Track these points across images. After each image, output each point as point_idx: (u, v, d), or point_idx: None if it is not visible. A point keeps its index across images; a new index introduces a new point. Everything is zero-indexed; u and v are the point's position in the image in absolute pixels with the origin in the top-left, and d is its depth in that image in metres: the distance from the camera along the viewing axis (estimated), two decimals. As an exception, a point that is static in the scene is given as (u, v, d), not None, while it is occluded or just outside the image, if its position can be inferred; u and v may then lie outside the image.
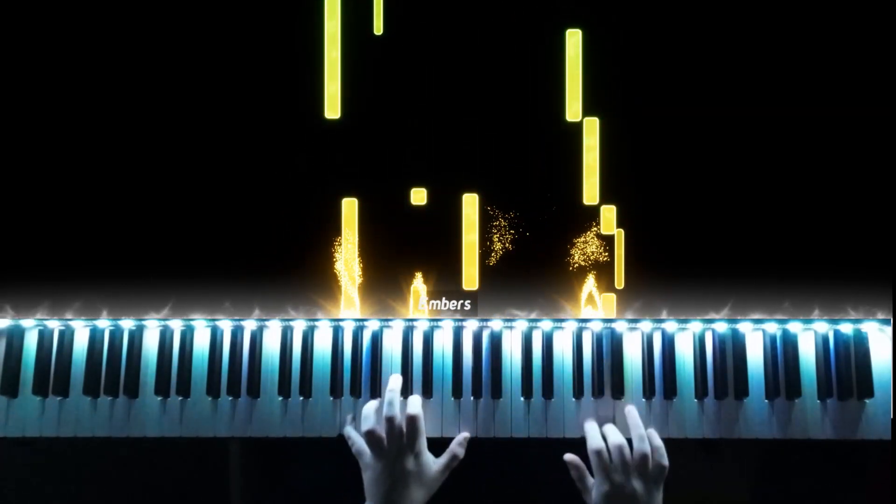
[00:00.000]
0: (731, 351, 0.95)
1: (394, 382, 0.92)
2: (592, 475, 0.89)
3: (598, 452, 0.88)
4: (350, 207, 0.95)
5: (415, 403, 0.91)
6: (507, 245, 0.94)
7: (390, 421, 0.88)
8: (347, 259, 0.94)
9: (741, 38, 0.95)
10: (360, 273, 0.94)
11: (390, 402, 0.89)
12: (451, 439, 0.94)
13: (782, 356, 0.94)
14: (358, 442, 0.90)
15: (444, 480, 0.90)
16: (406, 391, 0.94)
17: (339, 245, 0.95)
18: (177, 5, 0.96)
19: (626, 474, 0.86)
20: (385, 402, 0.90)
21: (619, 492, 0.86)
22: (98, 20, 0.96)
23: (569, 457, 0.92)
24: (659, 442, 0.89)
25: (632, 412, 0.92)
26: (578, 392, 0.94)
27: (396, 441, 0.87)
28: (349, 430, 0.92)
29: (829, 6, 0.95)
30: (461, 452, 0.92)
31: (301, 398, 0.95)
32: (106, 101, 0.96)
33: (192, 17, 0.96)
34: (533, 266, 0.94)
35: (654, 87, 0.95)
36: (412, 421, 0.89)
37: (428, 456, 0.90)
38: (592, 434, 0.90)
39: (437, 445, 0.94)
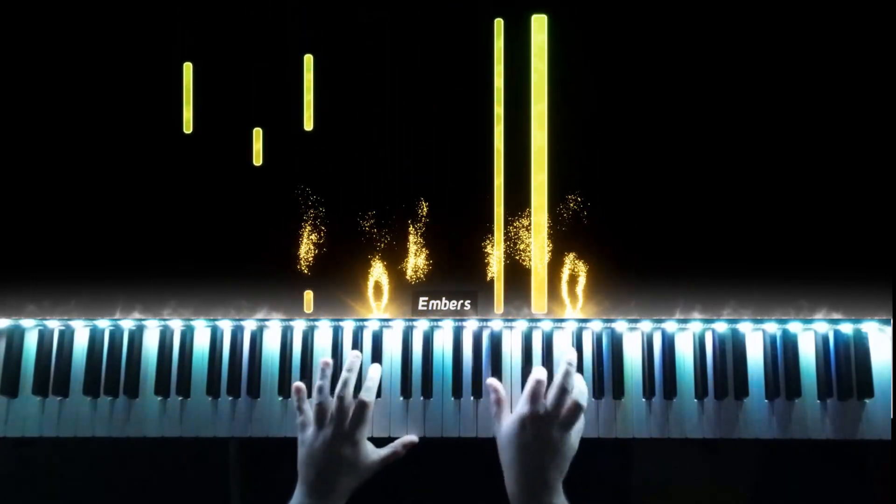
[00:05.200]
0: (731, 351, 0.95)
1: (352, 362, 0.92)
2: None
3: (539, 381, 0.88)
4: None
5: (370, 390, 0.90)
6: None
7: (340, 400, 0.88)
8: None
9: (747, 33, 0.95)
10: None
11: (345, 382, 0.89)
12: (451, 440, 0.94)
13: (782, 356, 0.94)
14: (307, 414, 0.90)
15: (379, 471, 0.89)
16: (405, 389, 0.94)
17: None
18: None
19: (552, 415, 0.85)
20: (339, 382, 0.90)
21: (534, 423, 0.85)
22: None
23: (492, 381, 0.93)
24: (583, 386, 0.89)
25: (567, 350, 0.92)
26: (578, 392, 0.94)
27: (339, 423, 0.87)
28: (302, 401, 0.92)
29: (832, 4, 0.95)
30: (403, 452, 0.92)
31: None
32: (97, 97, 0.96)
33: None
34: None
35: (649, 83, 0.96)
36: (361, 407, 0.88)
37: (367, 445, 0.90)
38: (542, 368, 0.91)
39: (438, 445, 0.94)
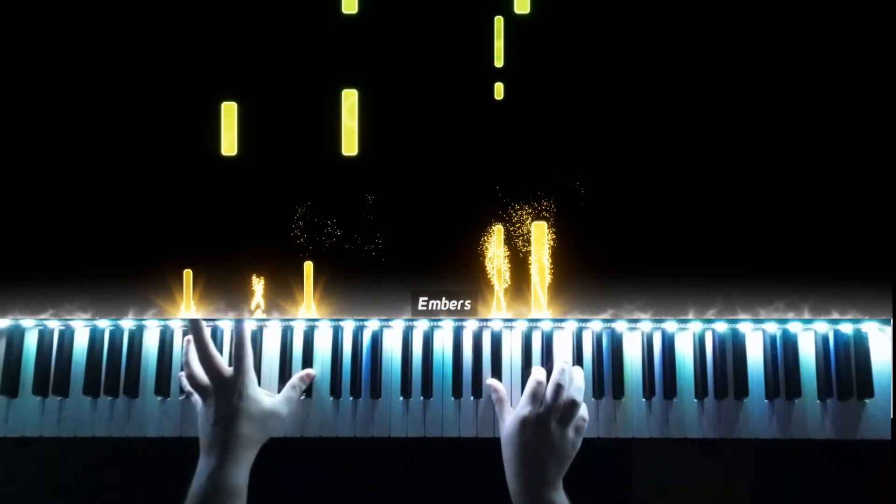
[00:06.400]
0: (731, 351, 0.95)
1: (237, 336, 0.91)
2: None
3: (539, 382, 0.89)
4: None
5: (246, 338, 0.90)
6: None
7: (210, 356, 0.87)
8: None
9: (748, 26, 0.95)
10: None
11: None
12: (451, 440, 0.94)
13: (782, 356, 0.94)
14: (192, 392, 0.89)
15: (285, 419, 0.90)
16: (405, 389, 0.94)
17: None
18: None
19: (551, 412, 0.86)
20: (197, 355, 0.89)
21: (533, 422, 0.85)
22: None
23: (491, 381, 0.94)
24: (580, 382, 0.90)
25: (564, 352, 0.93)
26: (578, 392, 0.94)
27: (219, 378, 0.87)
28: (184, 386, 0.91)
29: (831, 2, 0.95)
30: (301, 384, 0.92)
31: (302, 398, 0.95)
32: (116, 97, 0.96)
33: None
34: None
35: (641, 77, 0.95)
36: (238, 349, 0.88)
37: (257, 392, 0.88)
38: (540, 368, 0.91)
39: (438, 445, 0.94)
